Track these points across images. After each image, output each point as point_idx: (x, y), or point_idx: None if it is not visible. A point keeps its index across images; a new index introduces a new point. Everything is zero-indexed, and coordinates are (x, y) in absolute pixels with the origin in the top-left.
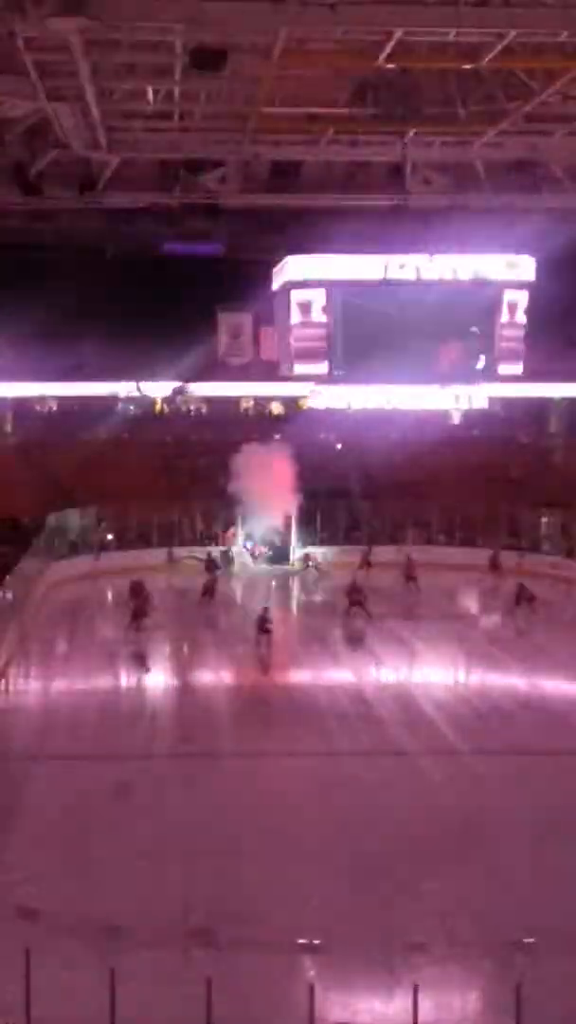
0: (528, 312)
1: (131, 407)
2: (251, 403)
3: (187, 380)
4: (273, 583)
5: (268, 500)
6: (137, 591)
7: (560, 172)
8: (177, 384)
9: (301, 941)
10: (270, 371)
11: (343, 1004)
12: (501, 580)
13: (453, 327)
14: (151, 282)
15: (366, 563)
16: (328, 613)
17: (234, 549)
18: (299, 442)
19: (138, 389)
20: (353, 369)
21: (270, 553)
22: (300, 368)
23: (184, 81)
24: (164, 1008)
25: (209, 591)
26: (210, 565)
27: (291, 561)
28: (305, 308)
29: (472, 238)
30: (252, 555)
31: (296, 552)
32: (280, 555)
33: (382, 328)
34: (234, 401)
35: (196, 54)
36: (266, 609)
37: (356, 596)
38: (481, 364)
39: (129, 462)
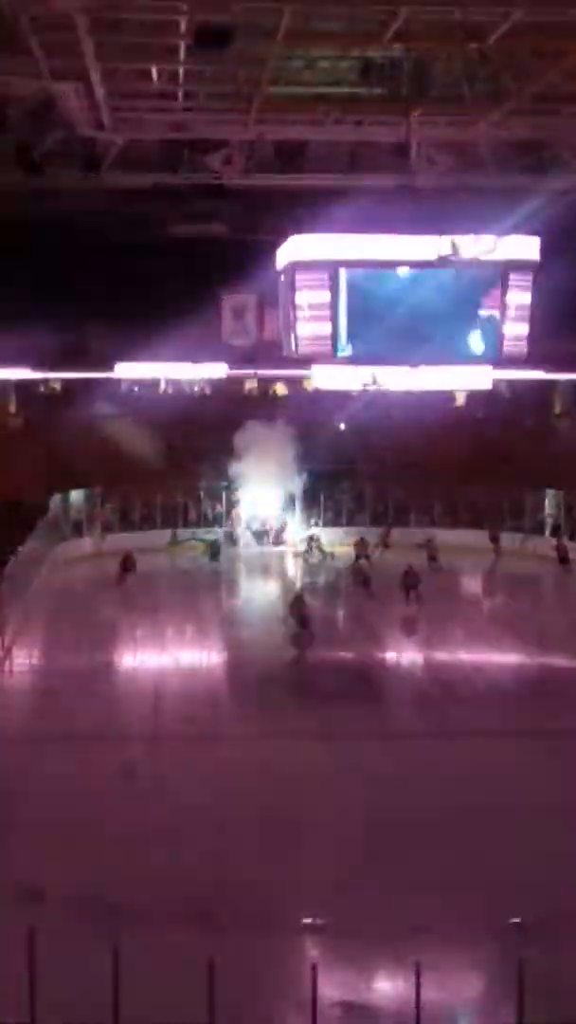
0: (533, 293)
1: (135, 388)
2: (255, 384)
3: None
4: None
5: (269, 479)
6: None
7: (566, 152)
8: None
9: (304, 921)
10: (274, 352)
11: (346, 984)
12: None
13: (457, 308)
14: (155, 263)
15: (384, 544)
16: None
17: (238, 530)
18: (303, 423)
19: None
20: (357, 350)
21: (272, 533)
22: (303, 349)
23: (189, 61)
24: (166, 988)
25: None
26: (128, 562)
27: (293, 542)
28: (309, 288)
29: (477, 218)
30: (256, 536)
31: (299, 533)
32: (282, 536)
33: (386, 309)
34: (238, 381)
35: (201, 33)
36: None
37: (362, 550)
38: (484, 348)
39: (133, 443)
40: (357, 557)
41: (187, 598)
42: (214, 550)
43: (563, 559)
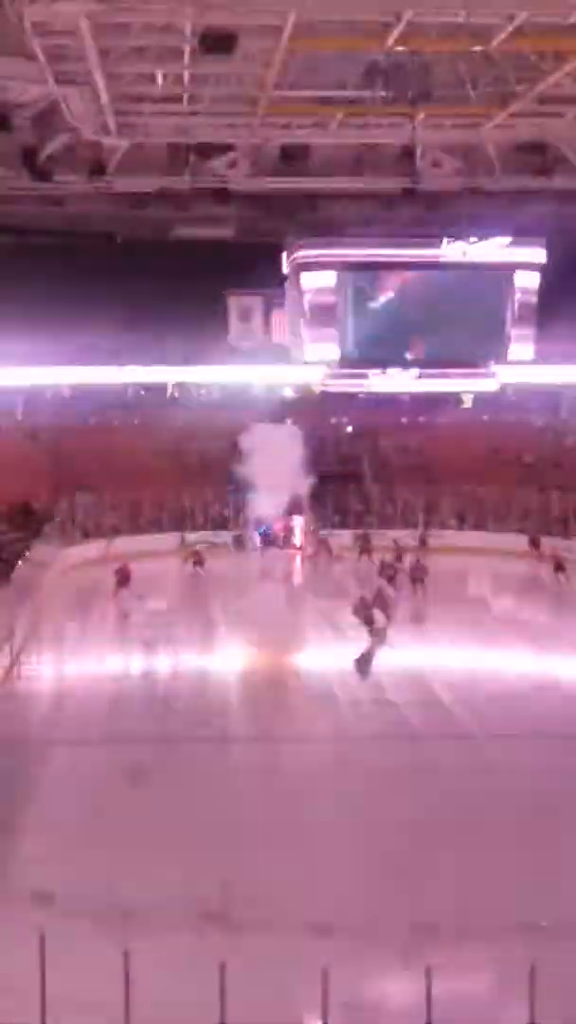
0: (539, 295)
1: (142, 392)
2: (262, 387)
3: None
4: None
5: (277, 482)
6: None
7: (570, 153)
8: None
9: (315, 924)
10: (281, 355)
11: (356, 987)
12: None
13: (463, 310)
14: (161, 266)
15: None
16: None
17: (246, 533)
18: (310, 425)
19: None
20: (364, 352)
21: (280, 536)
22: (311, 352)
23: (193, 64)
24: (177, 991)
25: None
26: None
27: (301, 545)
28: (315, 291)
29: (482, 221)
30: (265, 539)
31: (307, 535)
32: (291, 539)
33: (392, 311)
34: (245, 385)
35: (205, 37)
36: None
37: (366, 545)
38: (491, 351)
39: (140, 446)
40: (362, 551)
41: (197, 603)
42: (196, 559)
43: (558, 567)
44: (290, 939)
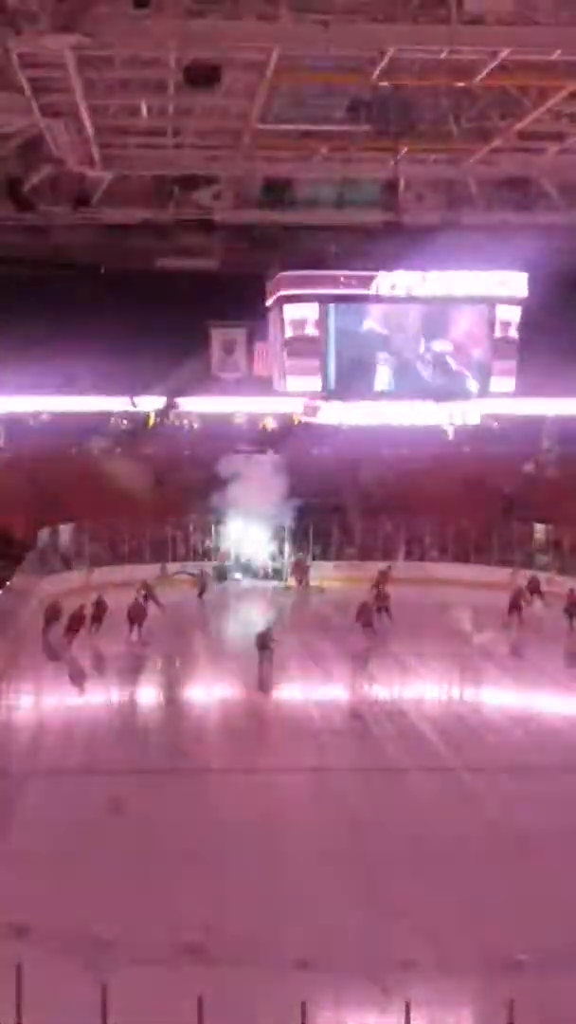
0: (520, 328)
1: (124, 422)
2: (244, 418)
3: (176, 395)
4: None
5: (258, 512)
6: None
7: (552, 189)
8: (166, 400)
9: (294, 958)
10: (263, 386)
11: (336, 1021)
12: None
13: (445, 343)
14: (145, 297)
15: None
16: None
17: (227, 564)
18: (292, 457)
19: (133, 403)
20: (346, 385)
21: (261, 567)
22: (293, 384)
23: (178, 97)
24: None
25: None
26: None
27: (284, 577)
28: (298, 323)
29: (464, 254)
30: (245, 569)
31: (289, 566)
32: (272, 571)
33: (374, 344)
34: (227, 416)
35: (190, 70)
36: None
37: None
38: (472, 383)
39: (122, 476)
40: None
41: (176, 634)
42: (200, 585)
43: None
44: (271, 972)
